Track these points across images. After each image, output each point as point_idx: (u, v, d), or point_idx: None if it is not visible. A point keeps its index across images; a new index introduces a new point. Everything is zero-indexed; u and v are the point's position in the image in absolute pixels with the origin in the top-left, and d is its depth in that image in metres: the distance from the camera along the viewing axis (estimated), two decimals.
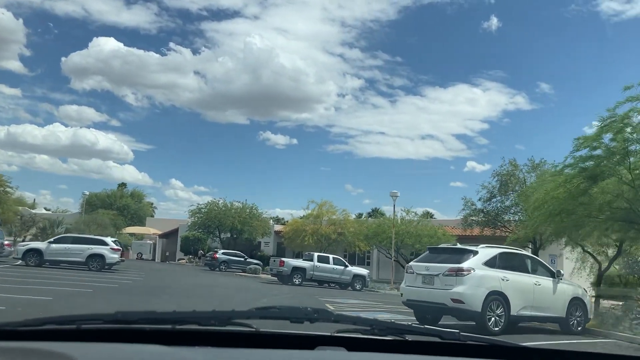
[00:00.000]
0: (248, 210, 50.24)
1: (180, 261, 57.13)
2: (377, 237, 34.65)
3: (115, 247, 27.61)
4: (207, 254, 43.70)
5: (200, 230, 51.18)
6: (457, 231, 37.72)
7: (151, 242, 64.42)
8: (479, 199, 27.26)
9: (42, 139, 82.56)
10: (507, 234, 24.58)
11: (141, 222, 73.39)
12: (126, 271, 28.24)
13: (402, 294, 12.79)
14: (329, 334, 1.65)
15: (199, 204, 50.80)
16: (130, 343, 1.51)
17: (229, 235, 51.18)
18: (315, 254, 30.80)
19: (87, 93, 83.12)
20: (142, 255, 62.58)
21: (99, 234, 50.77)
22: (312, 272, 29.58)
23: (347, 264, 30.76)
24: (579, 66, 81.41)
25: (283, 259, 30.92)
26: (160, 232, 64.70)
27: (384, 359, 1.59)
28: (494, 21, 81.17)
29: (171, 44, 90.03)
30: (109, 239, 28.46)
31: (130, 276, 24.61)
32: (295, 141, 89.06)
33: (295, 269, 29.42)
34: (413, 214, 34.68)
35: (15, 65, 77.94)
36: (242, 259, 42.84)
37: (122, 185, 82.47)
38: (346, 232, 41.13)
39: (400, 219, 35.37)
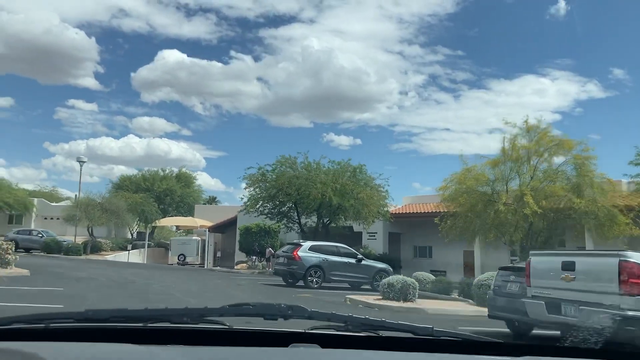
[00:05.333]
0: (349, 173, 27.36)
1: (239, 267, 36.06)
2: None
3: None
4: (284, 252, 21.03)
5: (267, 212, 28.88)
6: None
7: (199, 238, 43.41)
8: None
9: (118, 151, 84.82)
10: None
11: (190, 212, 52.48)
12: None
13: None
14: (303, 330, 1.62)
15: (261, 165, 28.38)
16: (101, 342, 1.47)
17: (315, 218, 28.82)
18: None
19: (157, 105, 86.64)
20: (184, 258, 41.74)
21: (101, 224, 29.66)
22: None
23: None
24: None
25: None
26: (211, 224, 43.44)
27: (357, 355, 1.57)
28: (562, 5, 76.16)
29: (232, 52, 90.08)
30: None
31: None
32: (359, 141, 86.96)
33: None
34: None
35: (90, 82, 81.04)
36: (353, 260, 20.02)
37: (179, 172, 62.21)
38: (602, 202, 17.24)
39: None
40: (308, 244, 19.91)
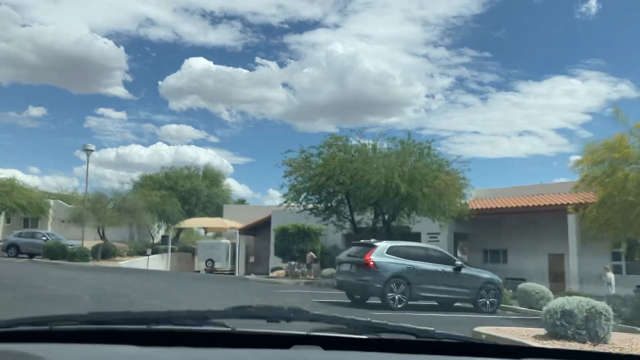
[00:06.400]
0: (415, 157, 21.32)
1: (275, 274, 30.84)
2: None
3: None
4: (350, 256, 15.04)
5: (312, 208, 23.11)
6: None
7: (228, 241, 38.14)
8: None
9: (147, 158, 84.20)
10: None
11: (218, 213, 47.06)
12: None
13: None
14: (305, 332, 1.60)
15: (303, 148, 22.53)
16: (105, 344, 1.48)
17: (371, 213, 23.04)
18: None
19: (184, 112, 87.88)
20: (213, 263, 36.52)
21: (112, 224, 24.53)
22: None
23: None
24: None
25: None
26: (241, 226, 38.18)
27: (359, 357, 1.57)
28: (592, 4, 75.95)
29: (257, 59, 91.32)
30: None
31: None
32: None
33: None
34: None
35: (120, 91, 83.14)
36: (449, 268, 13.96)
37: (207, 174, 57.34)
38: None
39: None
40: (385, 244, 13.93)
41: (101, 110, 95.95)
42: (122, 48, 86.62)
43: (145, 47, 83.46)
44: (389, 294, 13.17)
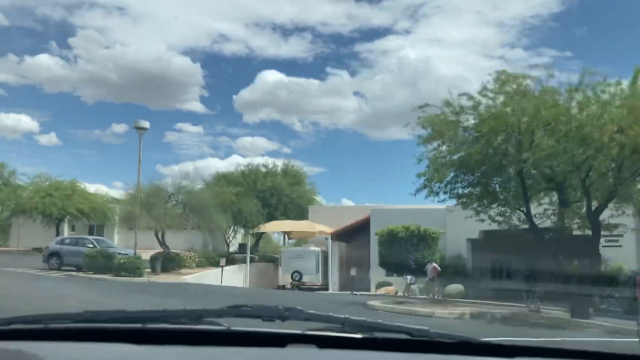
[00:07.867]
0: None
1: (383, 291, 23.76)
2: None
3: None
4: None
5: (463, 194, 14.81)
6: None
7: (318, 249, 30.91)
8: None
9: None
10: None
11: (302, 216, 39.76)
12: None
13: None
14: (300, 332, 1.61)
15: (449, 99, 14.27)
16: (100, 342, 1.49)
17: (539, 200, 14.52)
18: None
19: (258, 125, 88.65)
20: (300, 276, 29.44)
21: (171, 226, 17.52)
22: None
23: None
24: None
25: None
26: (331, 230, 30.89)
27: (354, 355, 1.59)
28: None
29: (328, 69, 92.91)
30: None
31: None
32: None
33: None
34: None
35: (196, 106, 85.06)
36: None
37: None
38: None
39: None
40: None
41: (179, 125, 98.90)
42: (198, 64, 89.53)
43: (220, 62, 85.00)
44: None
